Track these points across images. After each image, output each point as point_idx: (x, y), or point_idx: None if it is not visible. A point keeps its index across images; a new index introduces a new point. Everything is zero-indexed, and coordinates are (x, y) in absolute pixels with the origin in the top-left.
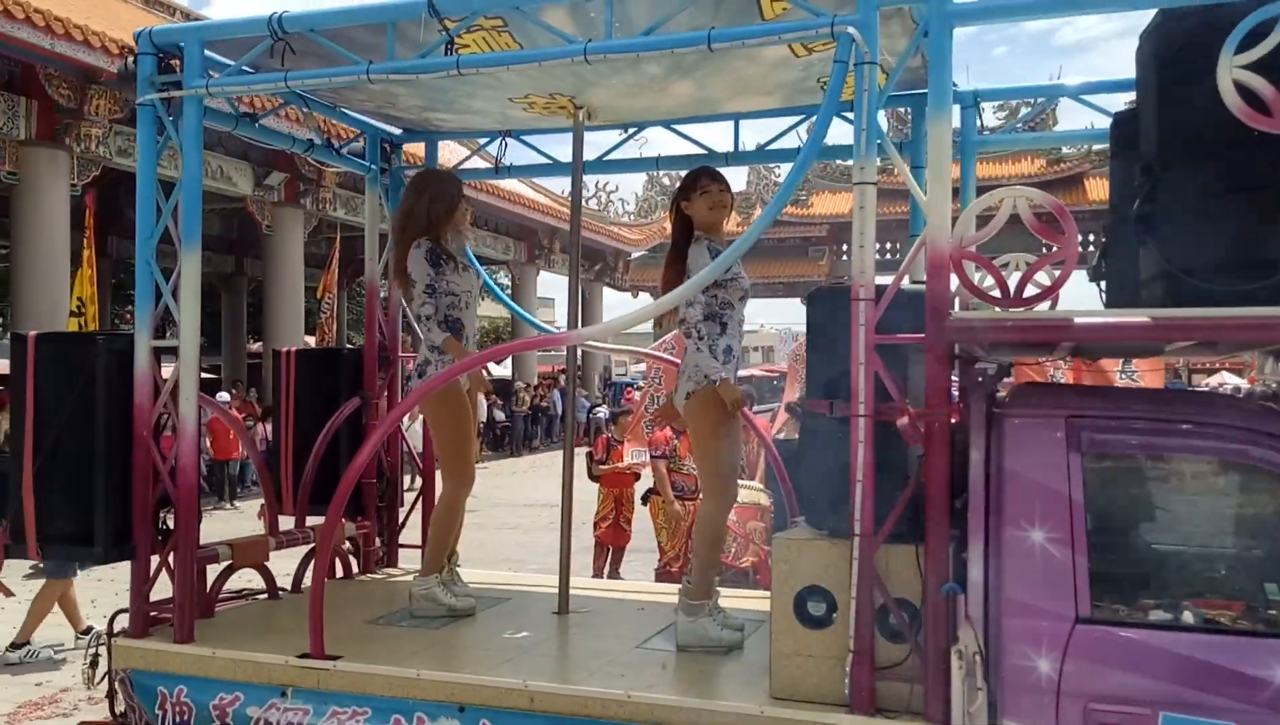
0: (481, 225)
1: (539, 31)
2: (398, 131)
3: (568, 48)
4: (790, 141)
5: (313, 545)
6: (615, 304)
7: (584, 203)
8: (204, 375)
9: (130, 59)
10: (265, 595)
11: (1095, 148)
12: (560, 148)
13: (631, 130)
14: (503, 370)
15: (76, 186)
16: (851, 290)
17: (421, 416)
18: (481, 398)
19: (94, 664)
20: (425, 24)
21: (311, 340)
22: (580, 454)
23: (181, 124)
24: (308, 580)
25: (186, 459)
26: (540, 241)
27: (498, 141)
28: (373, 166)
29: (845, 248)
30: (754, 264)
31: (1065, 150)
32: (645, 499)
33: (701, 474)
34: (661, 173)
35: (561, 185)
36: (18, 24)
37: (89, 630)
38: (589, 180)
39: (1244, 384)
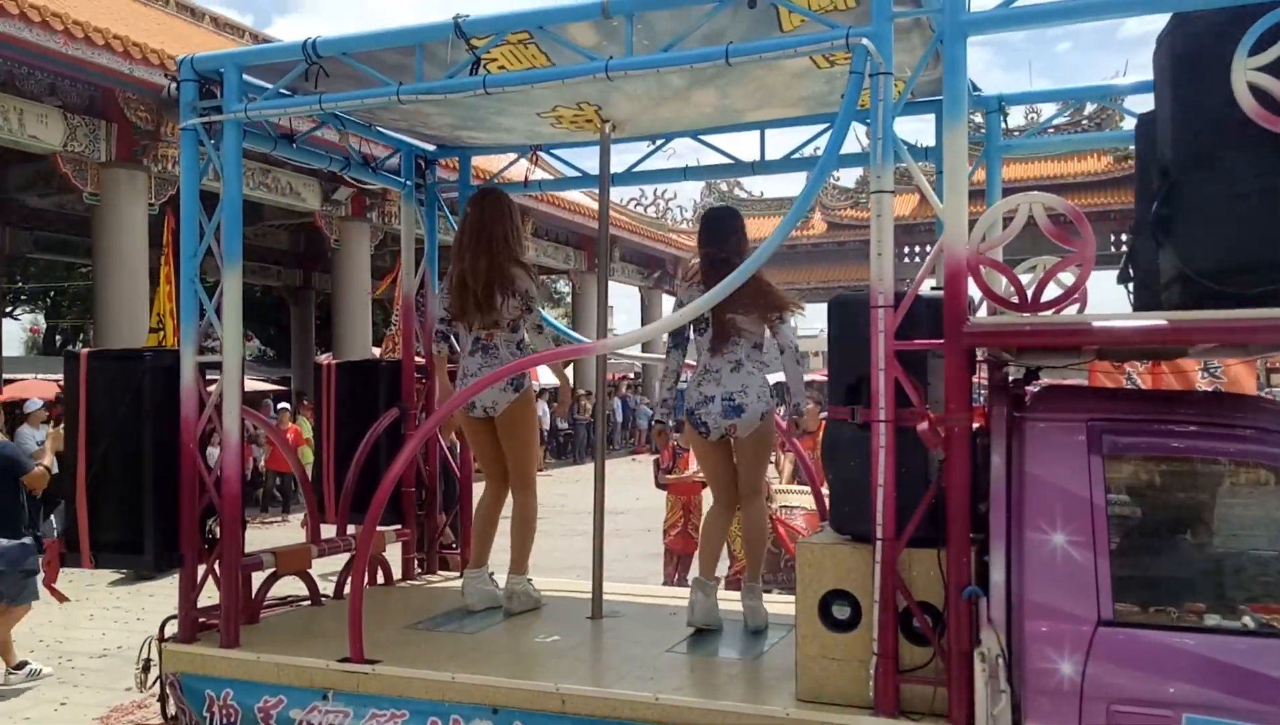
0: (542, 235)
1: (563, 42)
2: (431, 148)
3: (590, 65)
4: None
5: (354, 553)
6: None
7: (642, 210)
8: (272, 387)
9: (173, 85)
10: (309, 602)
11: None
12: (591, 161)
13: (660, 141)
14: None
15: (154, 206)
16: (870, 296)
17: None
18: (544, 404)
19: (146, 669)
20: (453, 44)
21: (378, 352)
22: (646, 462)
23: (222, 147)
24: (349, 587)
25: (230, 470)
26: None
27: (528, 157)
28: (408, 182)
29: (906, 250)
30: (814, 269)
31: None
32: None
33: (756, 480)
34: (719, 180)
35: (620, 194)
36: (98, 50)
37: (22, 665)
38: (646, 188)
39: None
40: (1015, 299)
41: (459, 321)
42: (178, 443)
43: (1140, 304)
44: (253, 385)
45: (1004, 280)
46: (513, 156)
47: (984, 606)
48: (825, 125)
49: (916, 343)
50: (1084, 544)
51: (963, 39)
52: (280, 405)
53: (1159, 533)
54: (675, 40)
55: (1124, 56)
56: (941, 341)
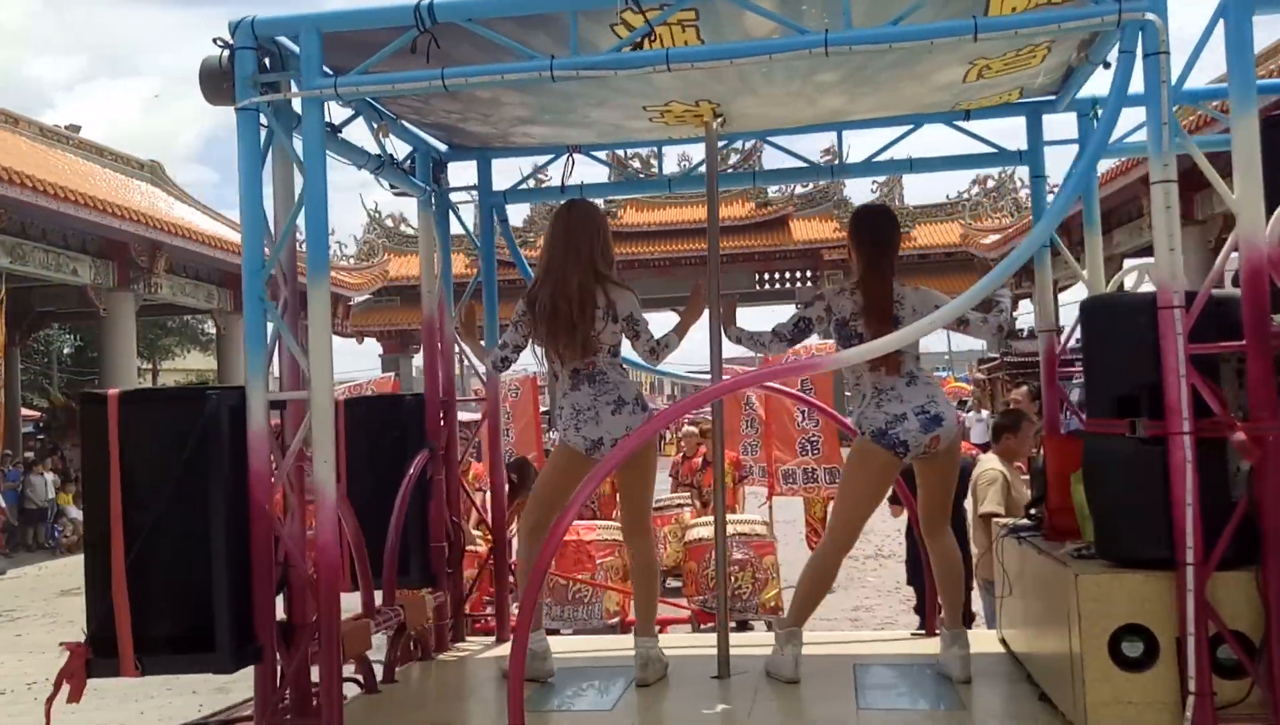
0: (179, 271)
1: (729, 25)
2: (444, 148)
3: (804, 39)
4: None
5: (400, 624)
6: (341, 349)
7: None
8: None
9: (226, 54)
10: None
11: (797, 191)
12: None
13: (740, 142)
14: None
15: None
16: (1159, 297)
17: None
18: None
19: None
20: (621, 11)
21: None
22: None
23: (297, 132)
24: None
25: (327, 536)
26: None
27: (564, 159)
28: (428, 188)
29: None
30: None
31: (772, 192)
32: None
33: (950, 507)
34: (386, 215)
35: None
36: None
37: None
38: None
39: None
40: None
41: (548, 351)
42: (246, 503)
43: None
44: None
45: None
46: (546, 157)
47: None
48: (909, 125)
49: (1217, 346)
50: None
51: (1248, 15)
52: None
53: None
54: (906, 12)
55: None
56: (1242, 343)
